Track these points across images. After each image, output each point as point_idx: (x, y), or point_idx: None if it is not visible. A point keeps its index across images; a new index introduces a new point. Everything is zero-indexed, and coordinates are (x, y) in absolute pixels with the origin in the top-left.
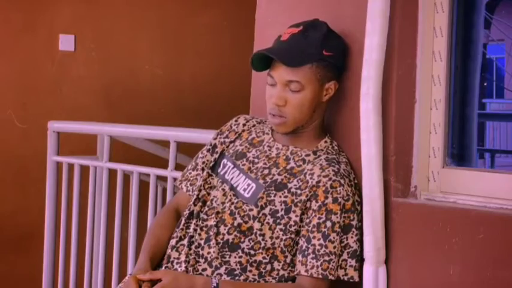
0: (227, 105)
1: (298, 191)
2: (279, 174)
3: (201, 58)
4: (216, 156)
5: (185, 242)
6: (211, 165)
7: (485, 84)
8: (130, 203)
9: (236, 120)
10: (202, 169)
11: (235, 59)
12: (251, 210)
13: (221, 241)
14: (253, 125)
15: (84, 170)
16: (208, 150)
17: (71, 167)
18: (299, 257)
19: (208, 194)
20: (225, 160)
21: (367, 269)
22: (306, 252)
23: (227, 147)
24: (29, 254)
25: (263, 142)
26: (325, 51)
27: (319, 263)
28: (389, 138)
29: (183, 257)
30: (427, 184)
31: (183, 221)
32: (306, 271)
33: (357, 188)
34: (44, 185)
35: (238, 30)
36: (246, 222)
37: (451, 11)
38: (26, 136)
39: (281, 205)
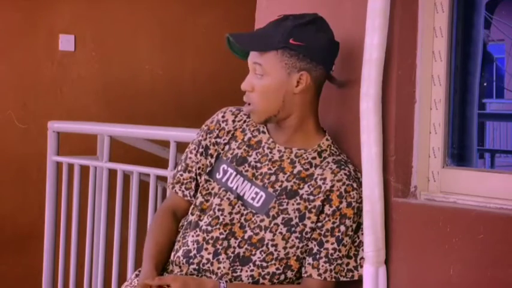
0: (227, 105)
1: (311, 197)
2: (287, 180)
3: (201, 58)
4: (211, 160)
5: (180, 254)
6: (207, 170)
7: (485, 84)
8: (130, 203)
9: (223, 116)
10: (199, 174)
11: (236, 59)
12: (262, 220)
13: (232, 255)
14: (244, 121)
15: (84, 170)
16: (201, 154)
17: (71, 167)
18: (309, 260)
19: (207, 201)
20: (224, 166)
21: (367, 269)
22: (317, 256)
23: (222, 149)
24: (29, 254)
25: (261, 143)
26: (292, 40)
27: (332, 267)
28: (389, 138)
29: (184, 271)
30: (427, 184)
31: (180, 233)
32: (319, 275)
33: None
34: (44, 185)
35: (238, 30)
36: (256, 234)
37: (451, 11)
38: (26, 136)
39: (295, 213)
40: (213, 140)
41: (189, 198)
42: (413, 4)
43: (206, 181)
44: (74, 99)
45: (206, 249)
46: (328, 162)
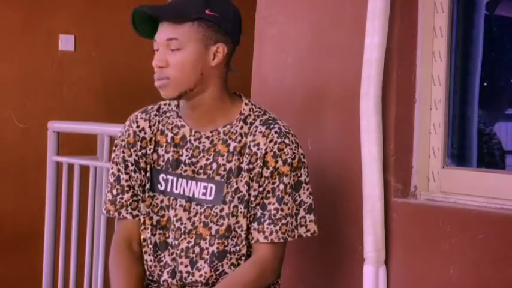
0: None
1: (251, 166)
2: (228, 161)
3: None
4: (146, 173)
5: (166, 277)
6: (147, 186)
7: (485, 84)
8: None
9: (138, 126)
10: (142, 192)
11: (235, 59)
12: (222, 210)
13: (207, 256)
14: (158, 122)
15: (84, 170)
16: (135, 171)
17: (70, 167)
18: (254, 225)
19: (163, 216)
20: (162, 175)
21: (367, 269)
22: (262, 219)
23: (152, 160)
24: (29, 254)
25: (186, 138)
26: (208, 10)
27: (277, 228)
28: (390, 138)
29: None
30: (427, 184)
31: (149, 259)
32: (265, 238)
33: (298, 142)
34: (44, 185)
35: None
36: (221, 225)
37: (451, 11)
38: (26, 136)
39: (244, 187)
40: (139, 153)
41: (140, 217)
42: (413, 4)
43: (152, 197)
44: (74, 99)
45: (182, 263)
46: (257, 127)
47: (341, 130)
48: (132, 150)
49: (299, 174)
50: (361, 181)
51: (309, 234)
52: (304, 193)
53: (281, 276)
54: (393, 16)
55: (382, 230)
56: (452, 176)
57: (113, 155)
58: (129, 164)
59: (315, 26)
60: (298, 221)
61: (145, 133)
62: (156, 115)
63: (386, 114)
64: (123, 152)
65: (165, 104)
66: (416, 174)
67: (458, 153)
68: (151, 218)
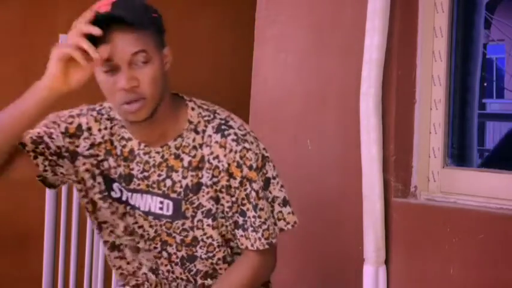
0: (227, 105)
1: (215, 179)
2: (183, 177)
3: (201, 58)
4: (99, 179)
5: (146, 270)
6: (104, 193)
7: (485, 84)
8: None
9: (87, 123)
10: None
11: (235, 59)
12: (184, 224)
13: (177, 260)
14: (106, 128)
15: None
16: (58, 155)
17: None
18: (239, 232)
19: (126, 222)
20: (117, 184)
21: (367, 269)
22: (245, 226)
23: (103, 167)
24: (29, 254)
25: (134, 151)
26: (153, 13)
27: (259, 235)
28: (390, 138)
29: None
30: (427, 184)
31: (128, 254)
32: (252, 245)
33: (256, 137)
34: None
35: (238, 30)
36: (186, 236)
37: (451, 11)
38: None
39: (209, 202)
40: (77, 149)
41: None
42: (413, 4)
43: (110, 204)
44: (74, 99)
45: (162, 263)
46: (210, 136)
47: (341, 130)
48: (66, 139)
49: (265, 171)
50: (361, 181)
51: (290, 226)
52: (274, 188)
53: (280, 275)
54: (393, 16)
55: (382, 230)
56: (452, 176)
57: (44, 121)
58: (55, 141)
59: (315, 26)
60: (276, 216)
61: (90, 134)
62: (107, 119)
63: (386, 114)
64: (55, 129)
65: (110, 108)
66: (416, 174)
67: (458, 153)
68: (117, 226)
